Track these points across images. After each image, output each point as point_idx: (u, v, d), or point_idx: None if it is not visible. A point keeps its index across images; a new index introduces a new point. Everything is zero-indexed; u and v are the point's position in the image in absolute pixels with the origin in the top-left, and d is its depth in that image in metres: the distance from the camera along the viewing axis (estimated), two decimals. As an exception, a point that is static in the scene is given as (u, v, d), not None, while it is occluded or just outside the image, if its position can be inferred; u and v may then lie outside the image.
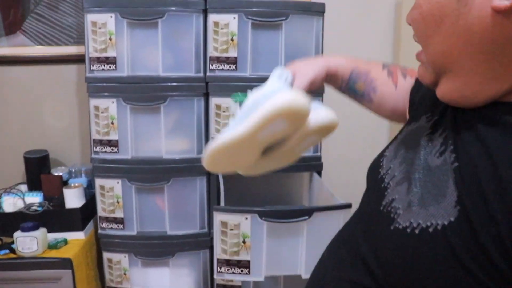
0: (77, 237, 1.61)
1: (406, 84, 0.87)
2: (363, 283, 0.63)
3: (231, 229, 1.26)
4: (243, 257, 1.27)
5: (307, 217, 1.20)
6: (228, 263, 1.28)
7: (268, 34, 1.45)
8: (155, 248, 1.58)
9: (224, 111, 1.47)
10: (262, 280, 1.27)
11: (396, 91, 0.88)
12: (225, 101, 1.47)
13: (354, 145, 1.90)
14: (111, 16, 1.42)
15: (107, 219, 1.57)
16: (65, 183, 1.74)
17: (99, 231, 1.59)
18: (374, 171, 0.73)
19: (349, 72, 0.92)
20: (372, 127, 1.85)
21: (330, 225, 1.18)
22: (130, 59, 1.46)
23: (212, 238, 1.58)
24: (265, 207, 1.21)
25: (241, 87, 1.45)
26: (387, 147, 0.75)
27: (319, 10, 1.47)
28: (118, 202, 1.54)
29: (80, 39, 1.79)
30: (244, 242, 1.26)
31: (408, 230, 0.56)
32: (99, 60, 1.46)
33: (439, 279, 0.53)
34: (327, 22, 1.49)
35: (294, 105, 0.74)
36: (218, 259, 1.29)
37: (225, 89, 1.46)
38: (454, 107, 0.62)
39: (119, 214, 1.55)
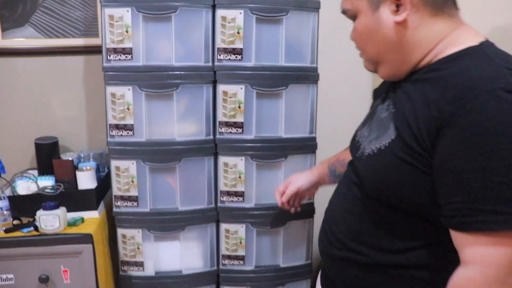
0: (92, 215, 1.73)
1: None
2: (351, 192, 1.02)
3: (231, 168, 1.70)
4: (239, 188, 1.72)
5: (283, 158, 1.71)
6: (228, 193, 1.72)
7: (270, 28, 1.63)
8: (167, 223, 1.73)
9: (230, 97, 1.64)
10: (253, 206, 1.73)
11: None
12: (231, 88, 1.63)
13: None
14: (128, 11, 1.56)
15: (122, 198, 1.70)
16: (75, 168, 1.85)
17: (114, 209, 1.72)
18: (353, 142, 1.11)
19: (327, 168, 1.40)
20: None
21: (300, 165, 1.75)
22: (145, 50, 1.59)
23: (218, 213, 1.75)
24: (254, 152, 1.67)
25: (245, 75, 1.63)
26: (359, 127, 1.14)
27: (315, 7, 1.66)
28: (132, 181, 1.68)
29: (87, 32, 1.90)
30: (239, 177, 1.68)
31: (371, 153, 0.94)
32: (116, 51, 1.59)
33: (390, 173, 0.88)
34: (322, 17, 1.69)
35: None
36: (221, 191, 1.72)
37: (232, 77, 1.63)
38: (393, 85, 0.99)
39: (133, 192, 1.69)
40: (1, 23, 1.87)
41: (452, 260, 0.82)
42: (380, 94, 1.08)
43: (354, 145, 1.08)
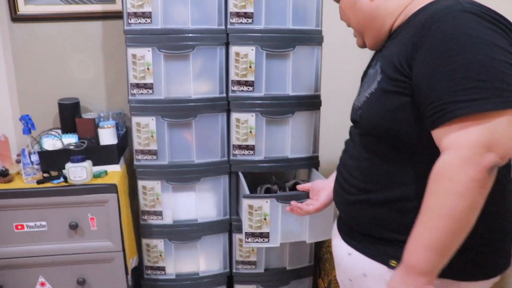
0: (114, 169, 1.89)
1: None
2: (356, 143, 1.17)
3: (242, 123, 1.83)
4: (250, 142, 1.85)
5: (290, 114, 1.82)
6: (239, 147, 1.87)
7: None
8: (184, 175, 1.88)
9: (242, 58, 1.78)
10: (263, 159, 1.86)
11: None
12: (243, 49, 1.77)
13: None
14: (147, -23, 1.68)
15: (142, 152, 1.85)
16: (96, 126, 1.99)
17: (135, 162, 1.86)
18: (351, 111, 1.21)
19: None
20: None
21: (306, 120, 1.87)
22: (163, 14, 1.72)
23: (231, 165, 1.90)
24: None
25: (256, 37, 1.77)
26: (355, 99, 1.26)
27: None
28: (152, 136, 1.82)
29: (104, -2, 2.03)
30: (250, 132, 1.84)
31: (365, 99, 1.09)
32: (136, 15, 1.71)
33: (382, 105, 1.03)
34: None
35: None
36: (233, 145, 1.86)
37: (243, 39, 1.76)
38: (375, 53, 1.18)
39: (153, 147, 1.84)
40: (22, -9, 1.99)
41: None
42: (366, 72, 1.27)
43: (352, 111, 1.22)
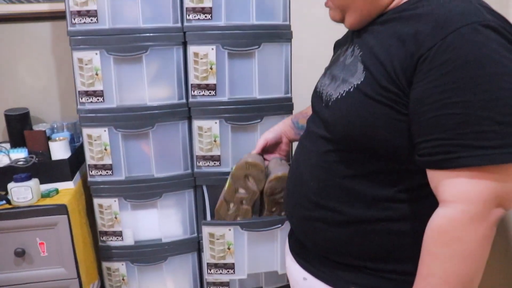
0: (67, 186, 1.70)
1: None
2: (318, 147, 0.97)
3: (205, 132, 1.64)
4: (215, 152, 1.66)
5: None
6: (204, 158, 1.68)
7: None
8: (144, 191, 1.69)
9: (201, 58, 1.59)
10: (230, 170, 1.58)
11: None
12: (202, 49, 1.58)
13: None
14: (90, -29, 1.49)
15: (96, 167, 1.66)
16: (48, 139, 1.81)
17: (89, 178, 1.68)
18: (314, 94, 1.06)
19: (290, 120, 1.41)
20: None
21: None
22: (110, 12, 1.53)
23: (195, 178, 1.72)
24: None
25: (216, 35, 1.58)
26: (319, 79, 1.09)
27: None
28: (106, 149, 1.64)
29: (52, -3, 1.83)
30: (215, 141, 1.65)
31: (339, 97, 0.90)
32: (80, 14, 1.53)
33: (362, 114, 0.84)
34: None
35: None
36: (197, 156, 1.67)
37: (202, 37, 1.57)
38: (357, 31, 0.95)
39: (107, 161, 1.65)
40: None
41: (431, 206, 0.79)
42: (341, 45, 1.07)
43: (316, 97, 1.04)
